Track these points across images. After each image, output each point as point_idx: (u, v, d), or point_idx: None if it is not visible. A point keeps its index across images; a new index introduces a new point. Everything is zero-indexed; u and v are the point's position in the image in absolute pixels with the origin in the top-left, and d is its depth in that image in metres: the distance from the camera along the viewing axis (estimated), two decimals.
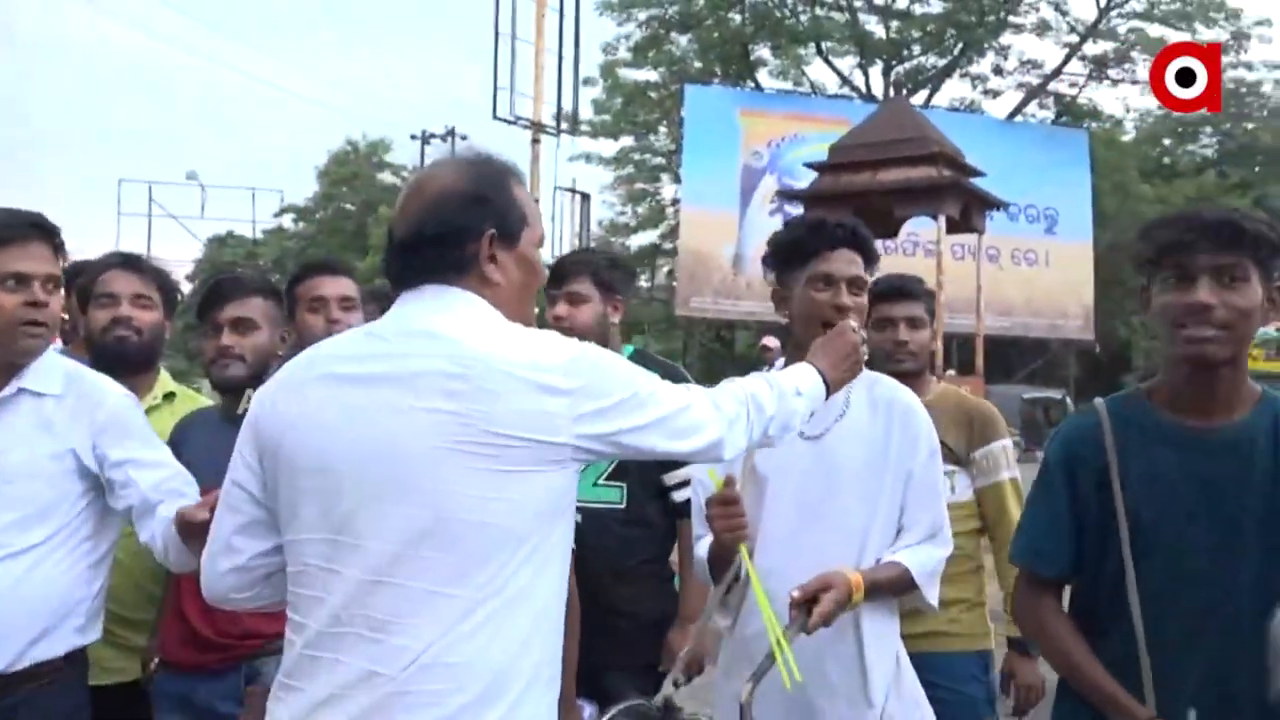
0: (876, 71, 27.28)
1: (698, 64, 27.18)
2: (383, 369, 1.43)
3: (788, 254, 2.11)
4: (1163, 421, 1.78)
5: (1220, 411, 1.75)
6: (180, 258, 30.60)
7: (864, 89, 27.02)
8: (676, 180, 25.74)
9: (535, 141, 15.81)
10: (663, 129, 28.02)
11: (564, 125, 16.89)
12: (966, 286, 13.25)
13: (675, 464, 2.56)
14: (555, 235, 19.01)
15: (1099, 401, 1.88)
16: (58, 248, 2.12)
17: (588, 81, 25.80)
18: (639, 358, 2.66)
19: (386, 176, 34.52)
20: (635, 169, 29.02)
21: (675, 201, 26.22)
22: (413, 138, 31.90)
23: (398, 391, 1.40)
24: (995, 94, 27.59)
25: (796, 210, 15.96)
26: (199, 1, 59.42)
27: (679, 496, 2.65)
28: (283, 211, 34.45)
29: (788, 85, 27.09)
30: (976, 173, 11.21)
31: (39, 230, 2.08)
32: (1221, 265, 1.66)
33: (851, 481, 2.05)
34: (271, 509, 1.51)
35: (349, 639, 1.38)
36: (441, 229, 1.50)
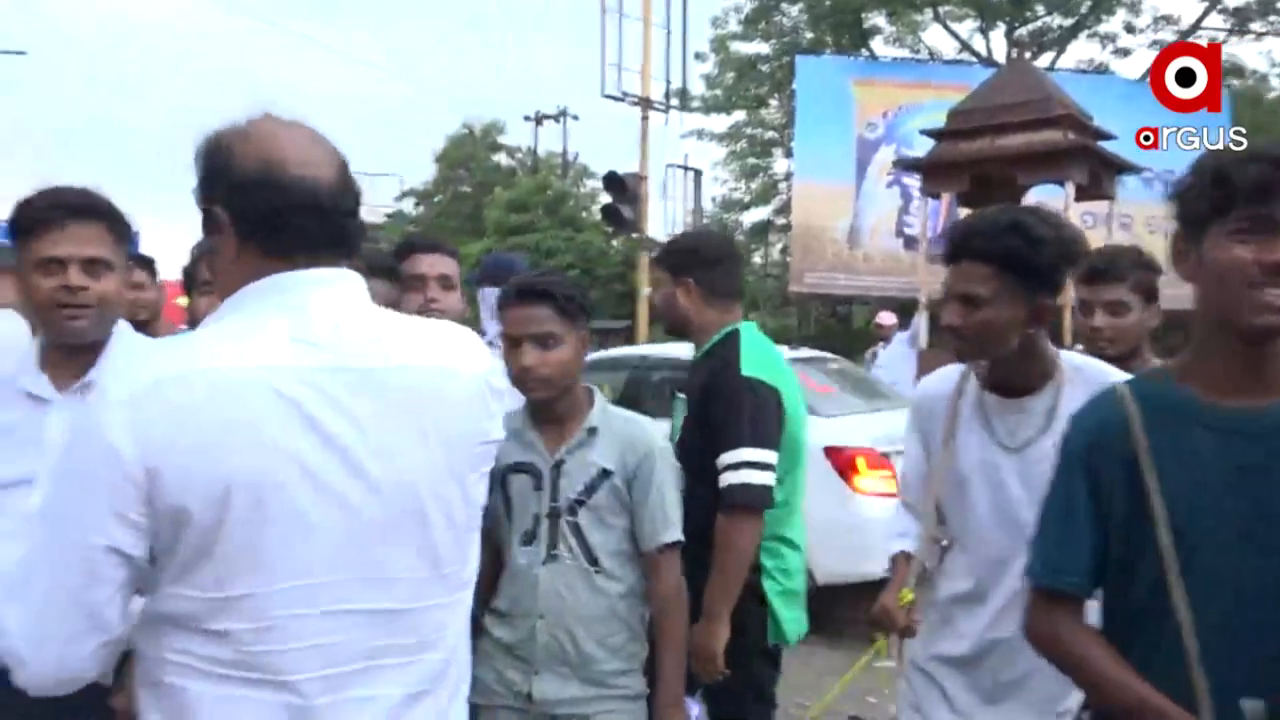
0: (997, 35, 26.20)
1: (809, 34, 26.59)
2: None
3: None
4: (1198, 403, 1.51)
5: (1266, 391, 1.47)
6: None
7: (984, 53, 26.01)
8: (789, 154, 25.31)
9: (645, 118, 15.73)
10: (774, 102, 27.57)
11: (674, 101, 16.78)
12: None
13: (729, 443, 2.51)
14: (667, 213, 18.96)
15: (1120, 384, 1.62)
16: (113, 228, 2.08)
17: (698, 56, 25.64)
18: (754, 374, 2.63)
19: (501, 158, 35.02)
20: (747, 144, 28.66)
21: (788, 176, 25.79)
22: (525, 119, 32.27)
23: None
24: (1126, 53, 26.12)
25: (914, 181, 15.50)
26: None
27: (730, 479, 2.52)
28: (403, 196, 35.36)
29: (903, 53, 26.27)
30: (1106, 135, 10.62)
31: (78, 213, 2.03)
32: None
33: None
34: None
35: (380, 674, 1.35)
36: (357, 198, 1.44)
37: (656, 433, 2.34)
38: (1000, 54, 25.52)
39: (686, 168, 19.83)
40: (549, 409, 2.26)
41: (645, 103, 15.70)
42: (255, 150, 1.36)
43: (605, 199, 15.39)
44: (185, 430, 1.24)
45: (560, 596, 2.20)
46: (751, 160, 28.97)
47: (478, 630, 2.27)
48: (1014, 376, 2.11)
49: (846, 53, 25.50)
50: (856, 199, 21.04)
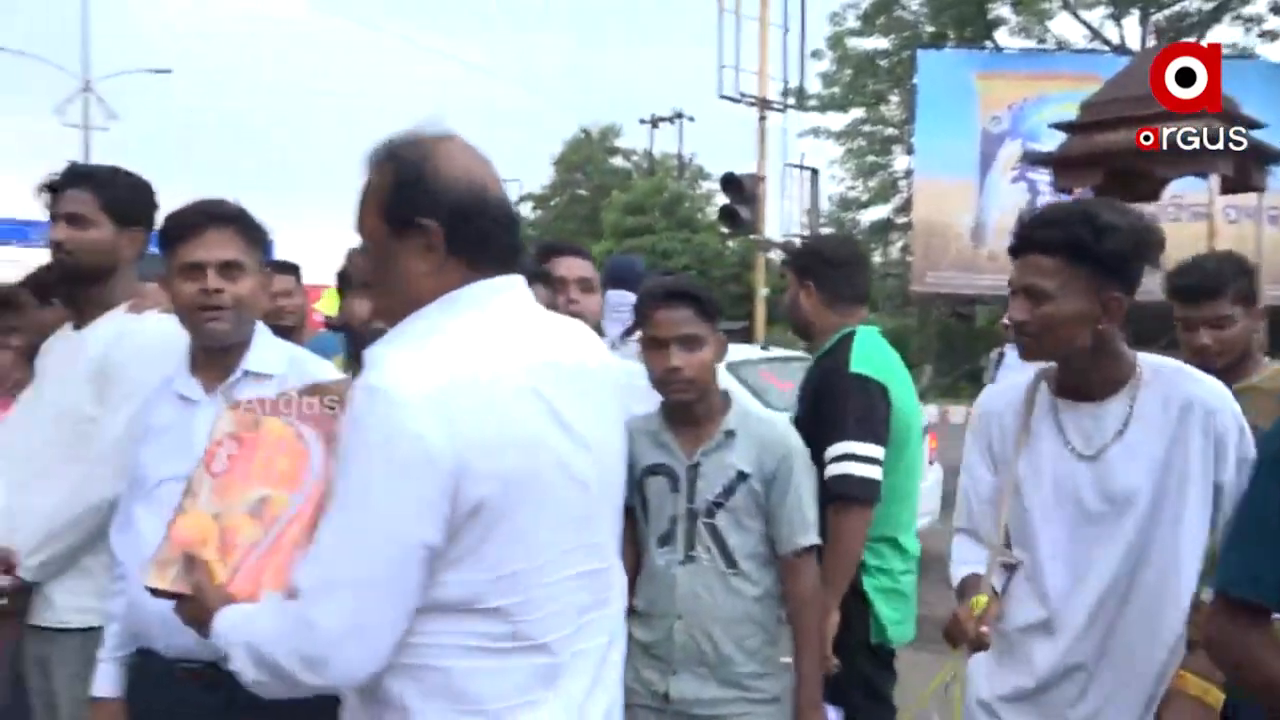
0: (1130, 21, 25.14)
1: (930, 28, 26.02)
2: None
3: None
4: None
5: None
6: None
7: (1116, 41, 24.96)
8: (909, 151, 24.82)
9: (762, 119, 15.62)
10: (894, 98, 27.07)
11: (791, 101, 16.62)
12: (1244, 253, 11.92)
13: (833, 437, 2.53)
14: (784, 213, 18.79)
15: None
16: (246, 233, 2.16)
17: (815, 54, 25.36)
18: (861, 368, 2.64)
19: (618, 161, 35.31)
20: (865, 141, 28.20)
21: (908, 173, 25.30)
22: (641, 122, 32.49)
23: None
24: (1273, 36, 24.74)
25: (1041, 176, 14.97)
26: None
27: (833, 471, 2.52)
28: (521, 200, 35.99)
29: (1030, 43, 25.44)
30: (1254, 124, 10.05)
31: (214, 219, 2.13)
32: None
33: (1134, 507, 1.89)
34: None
35: (592, 626, 1.56)
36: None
37: (794, 435, 2.34)
38: (1134, 41, 24.47)
39: (803, 167, 19.61)
40: (687, 411, 2.27)
41: (762, 103, 15.59)
42: (461, 171, 1.51)
43: (721, 200, 15.35)
44: (484, 426, 1.37)
45: (698, 597, 2.21)
46: (870, 158, 28.50)
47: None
48: (1087, 378, 1.96)
49: (969, 45, 24.84)
50: (980, 195, 20.48)
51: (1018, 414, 2.04)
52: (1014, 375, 2.20)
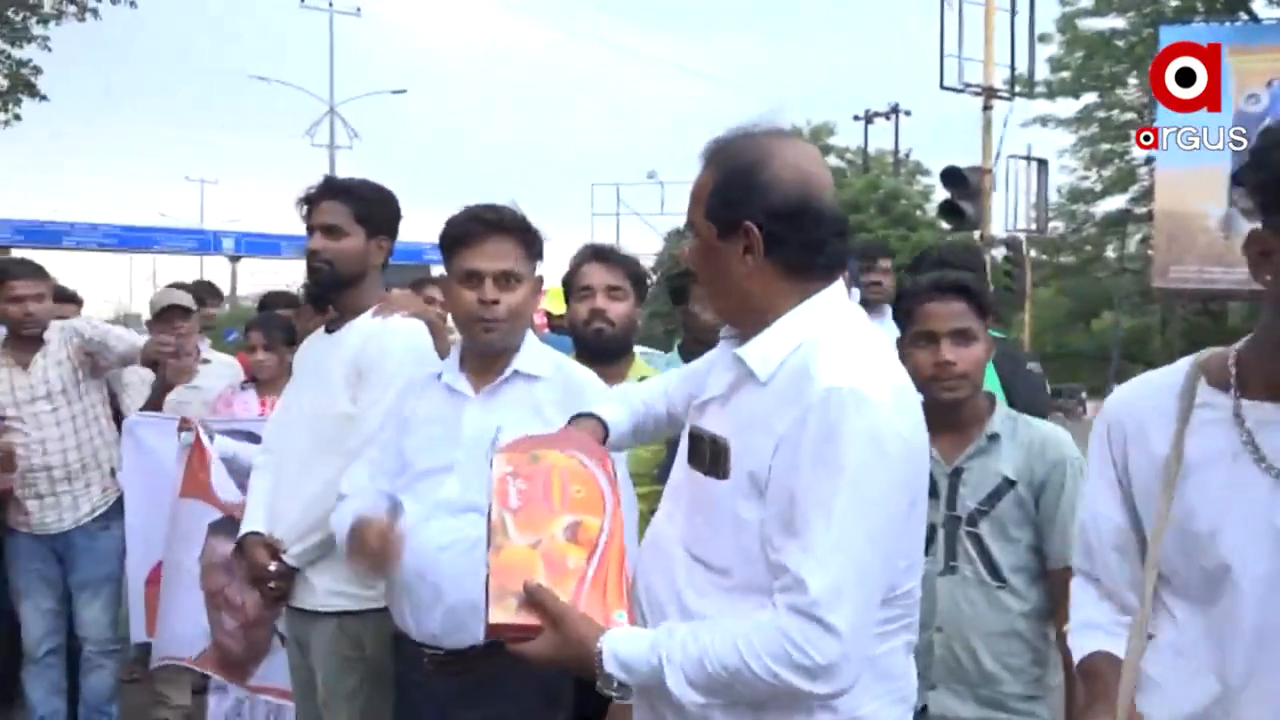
0: None
1: (1174, 2, 24.10)
2: None
3: None
4: None
5: None
6: (644, 251, 33.23)
7: None
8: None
9: (987, 108, 14.98)
10: (1132, 81, 25.25)
11: (1018, 88, 15.83)
12: None
13: None
14: (1010, 206, 17.90)
15: None
16: (525, 243, 2.20)
17: (1043, 38, 23.99)
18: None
19: (830, 160, 34.75)
20: (1099, 128, 26.47)
21: (1148, 160, 23.54)
22: (855, 118, 31.84)
23: None
24: None
25: None
26: None
27: None
28: None
29: None
30: None
31: (495, 228, 2.16)
32: None
33: None
34: None
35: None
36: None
37: (1068, 440, 2.16)
38: None
39: (1030, 158, 18.62)
40: (951, 413, 2.12)
41: (989, 92, 14.93)
42: (792, 175, 1.48)
43: (940, 196, 14.82)
44: (918, 427, 1.47)
45: (959, 609, 2.09)
46: (1105, 146, 26.71)
47: None
48: None
49: (1219, 19, 22.84)
50: (1232, 183, 18.82)
51: (1169, 421, 1.45)
52: None
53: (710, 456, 1.51)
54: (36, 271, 3.92)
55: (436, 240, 2.25)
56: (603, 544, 1.48)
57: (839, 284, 1.55)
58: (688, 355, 3.07)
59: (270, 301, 5.31)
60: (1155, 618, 1.45)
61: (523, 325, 2.26)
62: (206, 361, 4.57)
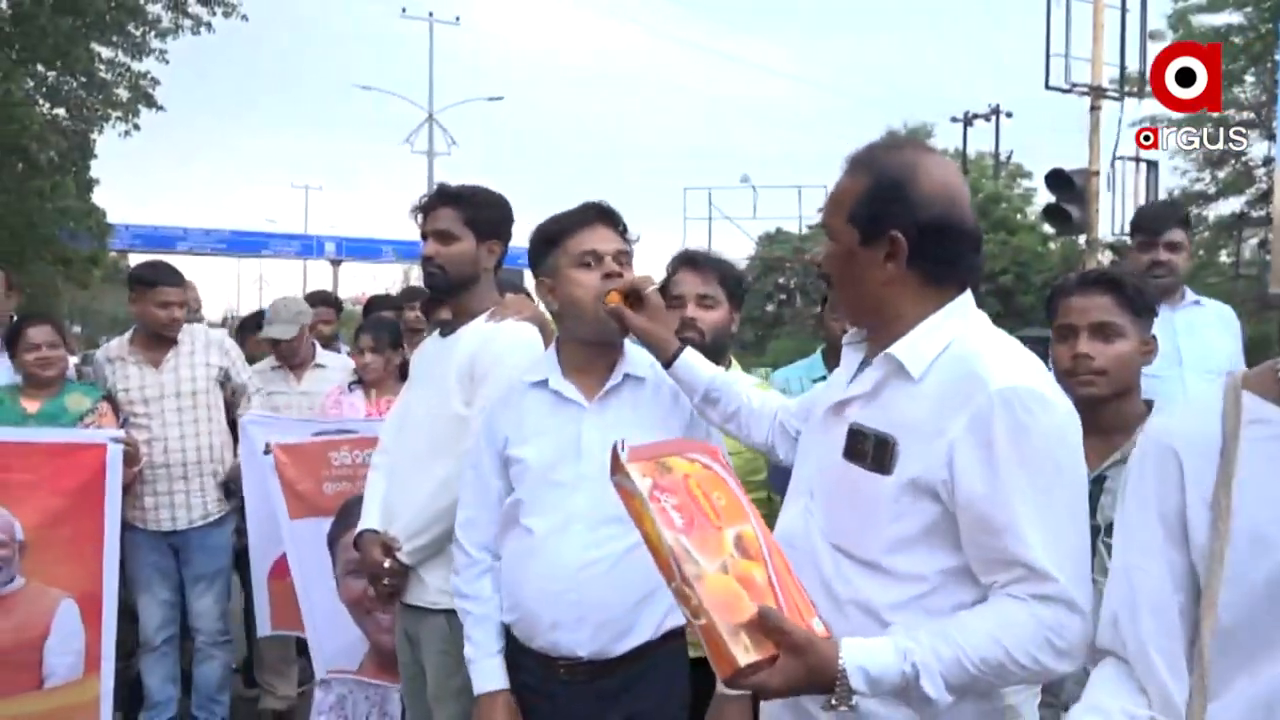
0: None
1: None
2: None
3: None
4: None
5: None
6: (736, 255, 33.03)
7: None
8: (1269, 136, 22.07)
9: (1094, 109, 14.50)
10: (1248, 78, 24.18)
11: (1128, 88, 15.28)
12: None
13: None
14: (1117, 210, 17.29)
15: None
16: (623, 232, 2.22)
17: (1154, 36, 23.13)
18: None
19: None
20: (1213, 127, 25.43)
21: (1267, 161, 22.53)
22: (954, 120, 31.18)
23: None
24: None
25: None
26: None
27: None
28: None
29: None
30: None
31: (602, 213, 2.20)
32: None
33: None
34: None
35: None
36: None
37: None
38: None
39: (1140, 160, 17.94)
40: (1095, 414, 2.01)
41: (1097, 91, 14.45)
42: (939, 188, 1.55)
43: (1043, 199, 14.38)
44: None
45: None
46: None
47: None
48: None
49: None
50: None
51: (1217, 449, 1.24)
52: None
53: (874, 452, 1.53)
54: (179, 277, 4.13)
55: (530, 246, 2.24)
56: (766, 551, 1.45)
57: (970, 294, 1.60)
58: (830, 364, 3.02)
59: (374, 304, 5.42)
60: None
61: (636, 309, 2.20)
62: (320, 366, 4.69)
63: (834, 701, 1.38)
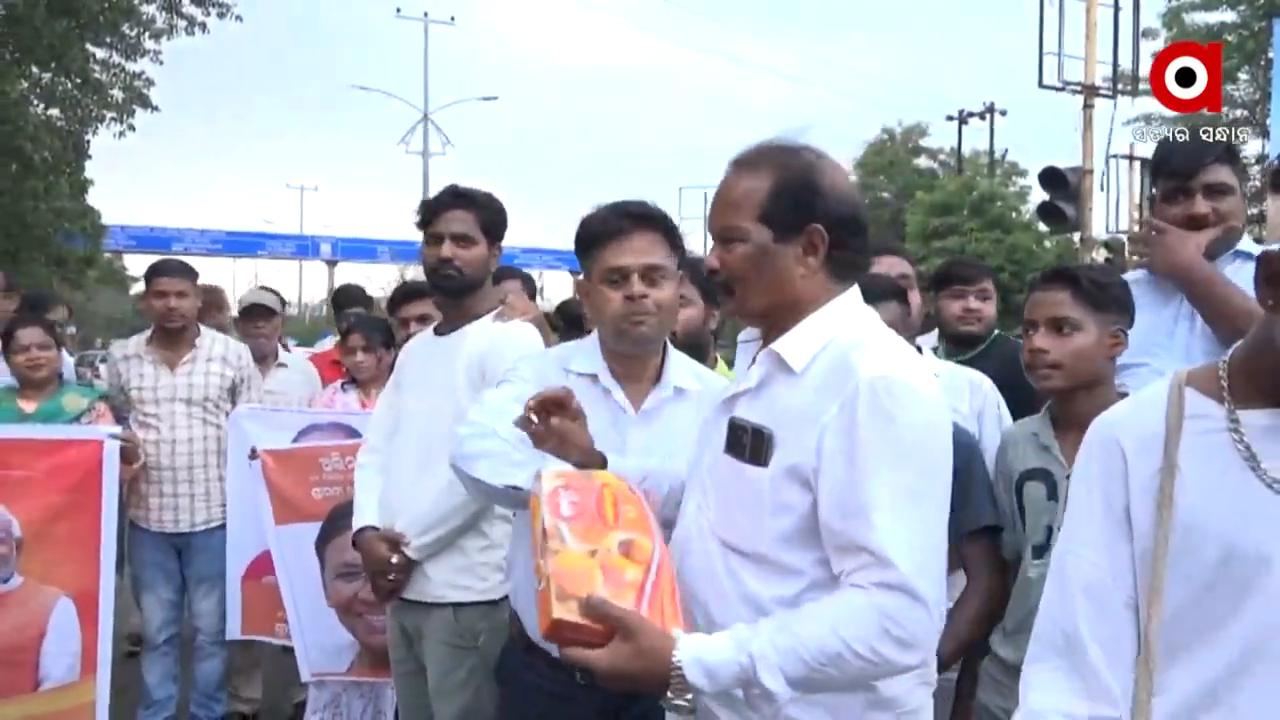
0: None
1: None
2: None
3: None
4: None
5: None
6: None
7: None
8: (1263, 134, 22.13)
9: (1088, 107, 14.55)
10: (1242, 76, 24.25)
11: (1121, 86, 15.32)
12: None
13: None
14: (1111, 208, 17.33)
15: None
16: (668, 236, 2.11)
17: (1147, 34, 23.19)
18: None
19: (922, 161, 34.18)
20: (1207, 126, 25.49)
21: (1261, 159, 22.57)
22: (948, 119, 31.23)
23: None
24: None
25: None
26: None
27: None
28: None
29: None
30: None
31: (638, 221, 2.09)
32: None
33: None
34: None
35: None
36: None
37: None
38: None
39: (1134, 158, 17.98)
40: (1072, 408, 2.08)
41: (1089, 89, 14.49)
42: (843, 184, 1.61)
43: (1037, 197, 14.43)
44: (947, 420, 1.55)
45: None
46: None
47: (983, 651, 2.19)
48: None
49: None
50: None
51: (1160, 442, 1.25)
52: None
53: (751, 445, 1.53)
54: (182, 270, 4.10)
55: (573, 242, 2.16)
56: (656, 564, 1.45)
57: (857, 289, 1.63)
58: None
59: (343, 299, 5.46)
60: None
61: (670, 322, 2.17)
62: (283, 365, 4.69)
63: (670, 695, 1.36)
